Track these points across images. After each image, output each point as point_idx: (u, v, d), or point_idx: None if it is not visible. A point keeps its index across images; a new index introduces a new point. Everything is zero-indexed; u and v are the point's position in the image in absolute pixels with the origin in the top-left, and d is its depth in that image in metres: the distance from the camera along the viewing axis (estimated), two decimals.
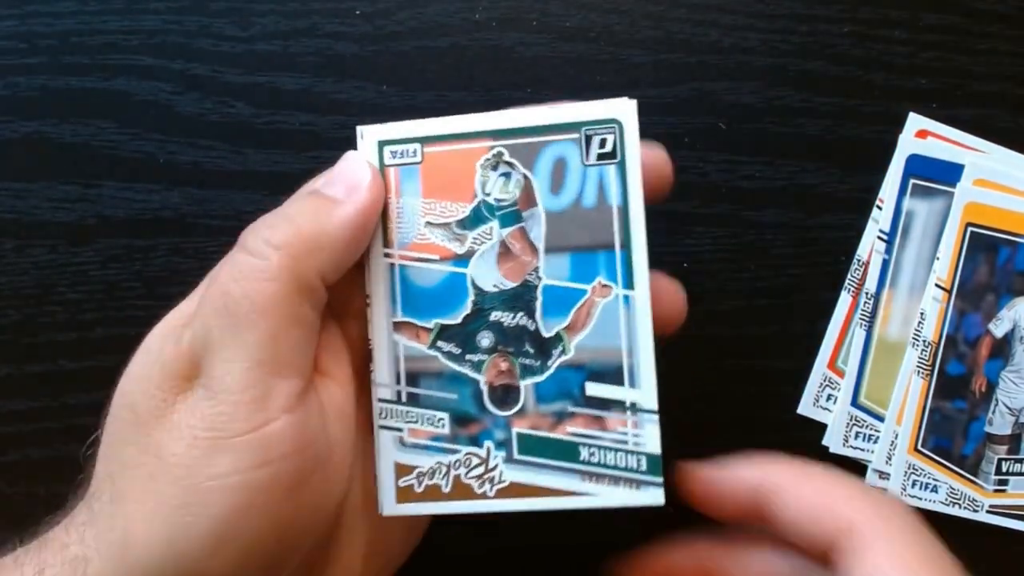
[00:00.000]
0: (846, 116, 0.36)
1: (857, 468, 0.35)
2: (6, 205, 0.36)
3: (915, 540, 0.25)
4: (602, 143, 0.27)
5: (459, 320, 0.28)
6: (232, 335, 0.24)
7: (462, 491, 0.28)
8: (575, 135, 0.27)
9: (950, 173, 0.35)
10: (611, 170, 0.27)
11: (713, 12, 0.36)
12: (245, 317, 0.24)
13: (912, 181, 0.35)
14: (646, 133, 0.28)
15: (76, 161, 0.36)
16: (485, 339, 0.28)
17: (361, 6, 0.36)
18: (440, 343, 0.28)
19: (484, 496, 0.28)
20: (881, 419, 0.35)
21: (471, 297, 0.28)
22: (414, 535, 0.31)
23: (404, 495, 0.28)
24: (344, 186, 0.27)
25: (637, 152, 0.27)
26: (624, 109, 0.27)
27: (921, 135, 0.36)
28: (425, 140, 0.28)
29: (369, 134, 0.28)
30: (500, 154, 0.27)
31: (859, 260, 0.36)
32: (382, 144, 0.28)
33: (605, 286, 0.27)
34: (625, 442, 0.27)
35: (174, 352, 0.25)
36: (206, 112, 0.36)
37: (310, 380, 0.26)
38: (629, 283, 0.27)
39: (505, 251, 0.28)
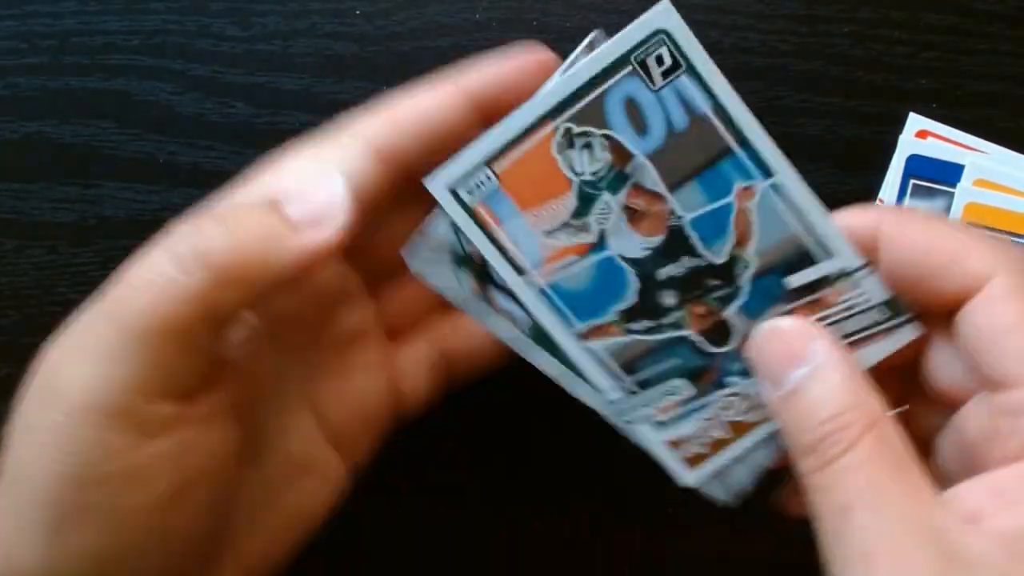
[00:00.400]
0: (846, 116, 0.36)
1: None
2: (6, 205, 0.36)
3: None
4: (659, 60, 0.25)
5: (635, 298, 0.27)
6: (112, 349, 0.22)
7: (740, 429, 0.28)
8: (628, 68, 0.25)
9: (950, 173, 0.35)
10: (685, 81, 0.25)
11: (713, 12, 0.36)
12: (133, 334, 0.22)
13: (912, 181, 0.35)
14: None
15: (76, 161, 0.36)
16: (669, 298, 0.27)
17: (361, 6, 0.36)
18: (631, 325, 0.27)
19: (762, 421, 0.28)
20: None
21: (631, 272, 0.27)
22: (308, 525, 0.29)
23: (694, 462, 0.28)
24: (310, 211, 0.24)
25: (700, 50, 0.25)
26: (663, 15, 0.25)
27: (921, 135, 0.36)
28: (489, 160, 0.26)
29: (436, 187, 0.26)
30: (568, 130, 0.26)
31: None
32: (454, 191, 0.26)
33: (747, 189, 0.26)
34: (856, 305, 0.26)
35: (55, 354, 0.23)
36: (206, 112, 0.36)
37: (189, 408, 0.24)
38: (767, 172, 0.26)
39: (632, 213, 0.26)
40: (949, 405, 0.26)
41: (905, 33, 0.36)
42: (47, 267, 0.36)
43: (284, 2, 0.36)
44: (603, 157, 0.26)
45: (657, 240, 0.26)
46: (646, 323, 0.27)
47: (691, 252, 0.26)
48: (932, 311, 0.26)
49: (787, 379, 0.25)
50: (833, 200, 0.36)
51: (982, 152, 0.35)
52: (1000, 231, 0.35)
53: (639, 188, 0.26)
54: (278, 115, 0.36)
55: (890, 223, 0.26)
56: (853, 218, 0.26)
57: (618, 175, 0.26)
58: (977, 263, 0.24)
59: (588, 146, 0.26)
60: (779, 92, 0.36)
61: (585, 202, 0.26)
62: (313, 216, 0.24)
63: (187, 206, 0.36)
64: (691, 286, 0.27)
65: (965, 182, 0.35)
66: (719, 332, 0.27)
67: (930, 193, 0.35)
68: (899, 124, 0.36)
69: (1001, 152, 0.35)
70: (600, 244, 0.26)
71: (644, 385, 0.28)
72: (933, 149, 0.36)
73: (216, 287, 0.23)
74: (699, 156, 0.26)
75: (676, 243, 0.26)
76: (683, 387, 0.28)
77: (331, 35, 0.36)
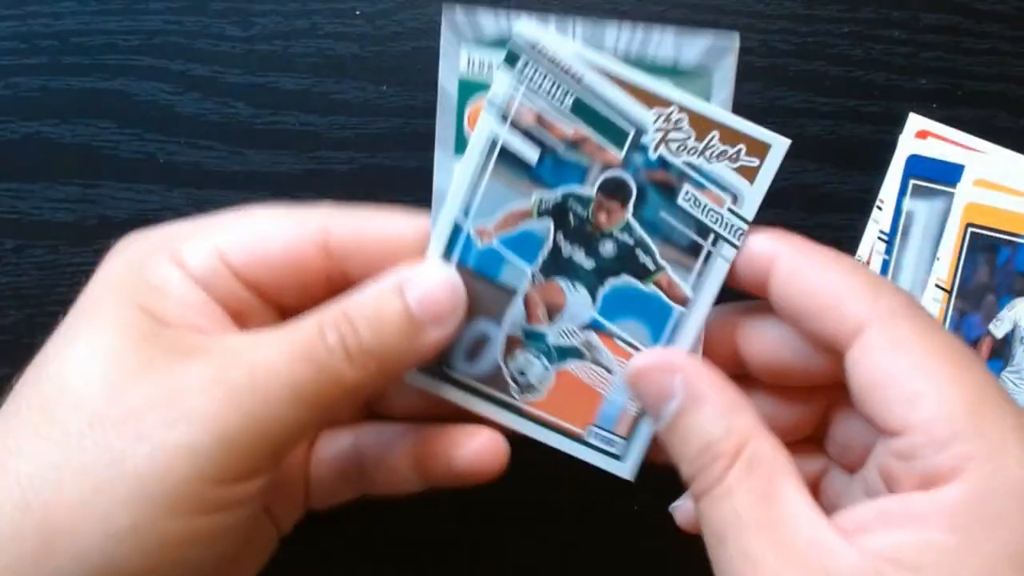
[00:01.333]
0: (846, 116, 0.36)
1: None
2: (6, 205, 0.36)
3: (920, 332, 0.24)
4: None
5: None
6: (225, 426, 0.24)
7: None
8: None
9: (950, 173, 0.35)
10: None
11: (713, 12, 0.36)
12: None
13: (912, 181, 0.35)
14: None
15: (76, 161, 0.36)
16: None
17: (361, 6, 0.36)
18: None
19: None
20: None
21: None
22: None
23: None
24: (431, 309, 0.26)
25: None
26: None
27: (921, 135, 0.36)
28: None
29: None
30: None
31: (859, 260, 0.36)
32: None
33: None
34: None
35: None
36: (206, 112, 0.36)
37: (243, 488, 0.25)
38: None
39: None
40: (854, 463, 0.27)
41: (905, 33, 0.36)
42: (47, 267, 0.36)
43: (284, 2, 0.36)
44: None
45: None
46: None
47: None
48: (819, 349, 0.26)
49: (663, 413, 0.26)
50: (833, 200, 0.36)
51: (982, 152, 0.35)
52: (1000, 231, 0.35)
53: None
54: (278, 115, 0.36)
55: (786, 256, 0.26)
56: (753, 240, 0.27)
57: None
58: (855, 309, 0.24)
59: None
60: (779, 92, 0.36)
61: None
62: (434, 314, 0.26)
63: (187, 206, 0.36)
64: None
65: (965, 182, 0.35)
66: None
67: (930, 193, 0.35)
68: (899, 124, 0.36)
69: (1001, 152, 0.35)
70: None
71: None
72: (933, 149, 0.36)
73: (370, 380, 0.25)
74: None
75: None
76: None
77: (331, 35, 0.36)
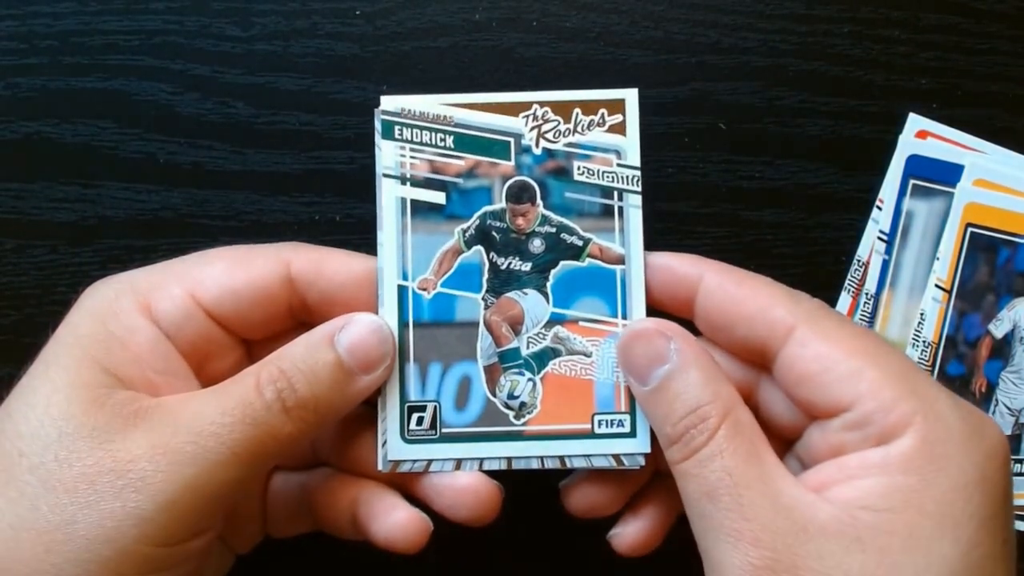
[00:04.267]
0: (846, 116, 0.36)
1: None
2: (6, 205, 0.36)
3: (841, 326, 0.28)
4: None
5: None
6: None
7: None
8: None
9: (950, 173, 0.35)
10: None
11: (713, 12, 0.36)
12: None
13: (912, 181, 0.36)
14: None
15: (76, 161, 0.36)
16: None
17: (361, 6, 0.36)
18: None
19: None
20: None
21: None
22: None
23: None
24: (362, 357, 0.28)
25: None
26: None
27: (921, 135, 0.36)
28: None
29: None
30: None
31: (859, 260, 0.36)
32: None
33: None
34: None
35: None
36: (206, 112, 0.36)
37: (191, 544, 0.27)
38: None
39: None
40: (786, 436, 0.29)
41: (905, 33, 0.36)
42: (47, 267, 0.36)
43: (284, 2, 0.36)
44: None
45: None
46: None
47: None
48: (746, 357, 0.29)
49: (651, 377, 0.28)
50: (833, 200, 0.36)
51: (982, 152, 0.35)
52: (1000, 231, 0.35)
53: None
54: (278, 115, 0.36)
55: (712, 273, 0.29)
56: (679, 261, 0.30)
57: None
58: (781, 314, 0.28)
59: None
60: (779, 92, 0.36)
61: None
62: (365, 362, 0.28)
63: (187, 206, 0.36)
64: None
65: (965, 182, 0.35)
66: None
67: (930, 193, 0.35)
68: (899, 124, 0.36)
69: (1001, 152, 0.35)
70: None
71: None
72: (933, 149, 0.36)
73: (308, 430, 0.27)
74: None
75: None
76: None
77: (331, 35, 0.36)
